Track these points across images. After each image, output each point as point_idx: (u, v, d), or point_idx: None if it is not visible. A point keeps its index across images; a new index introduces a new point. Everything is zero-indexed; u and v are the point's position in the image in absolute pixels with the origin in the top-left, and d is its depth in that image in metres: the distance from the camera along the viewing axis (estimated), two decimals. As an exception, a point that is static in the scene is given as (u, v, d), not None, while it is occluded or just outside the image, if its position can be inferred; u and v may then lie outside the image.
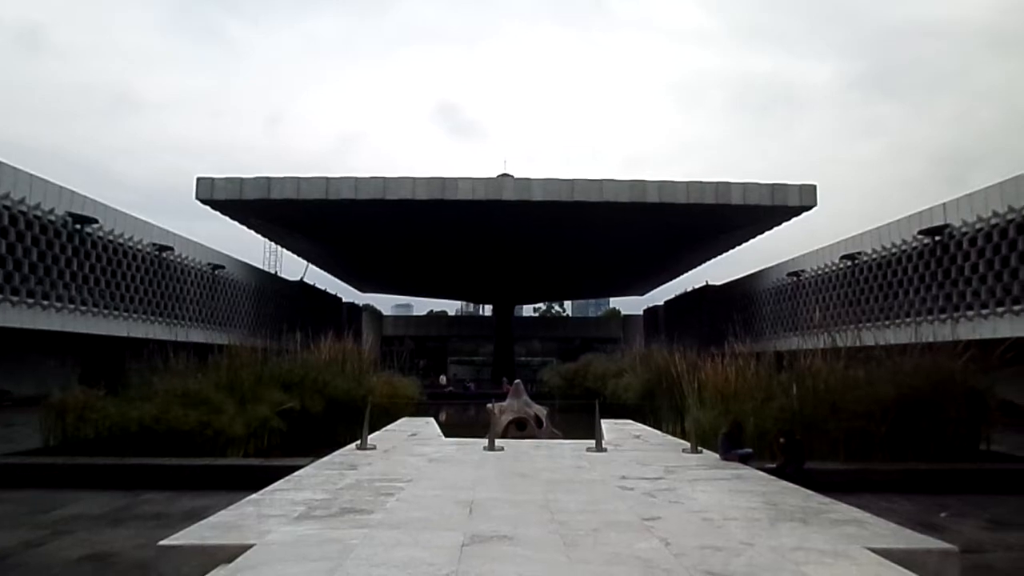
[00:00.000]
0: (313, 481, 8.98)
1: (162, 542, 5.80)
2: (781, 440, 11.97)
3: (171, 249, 39.62)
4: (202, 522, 6.48)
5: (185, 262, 41.79)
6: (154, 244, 38.18)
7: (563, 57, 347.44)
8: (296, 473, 9.66)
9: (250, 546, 5.62)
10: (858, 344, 16.64)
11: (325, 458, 11.43)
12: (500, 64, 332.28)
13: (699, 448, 12.80)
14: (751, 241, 48.67)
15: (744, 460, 11.52)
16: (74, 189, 31.94)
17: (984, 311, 30.00)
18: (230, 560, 5.34)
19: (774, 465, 11.45)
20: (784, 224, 43.91)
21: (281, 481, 8.92)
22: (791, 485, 9.22)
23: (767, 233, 46.11)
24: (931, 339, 16.01)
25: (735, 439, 12.04)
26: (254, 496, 7.84)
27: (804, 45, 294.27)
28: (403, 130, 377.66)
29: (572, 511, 7.26)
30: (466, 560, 5.24)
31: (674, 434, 17.16)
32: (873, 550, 5.70)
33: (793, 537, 6.19)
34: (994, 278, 29.53)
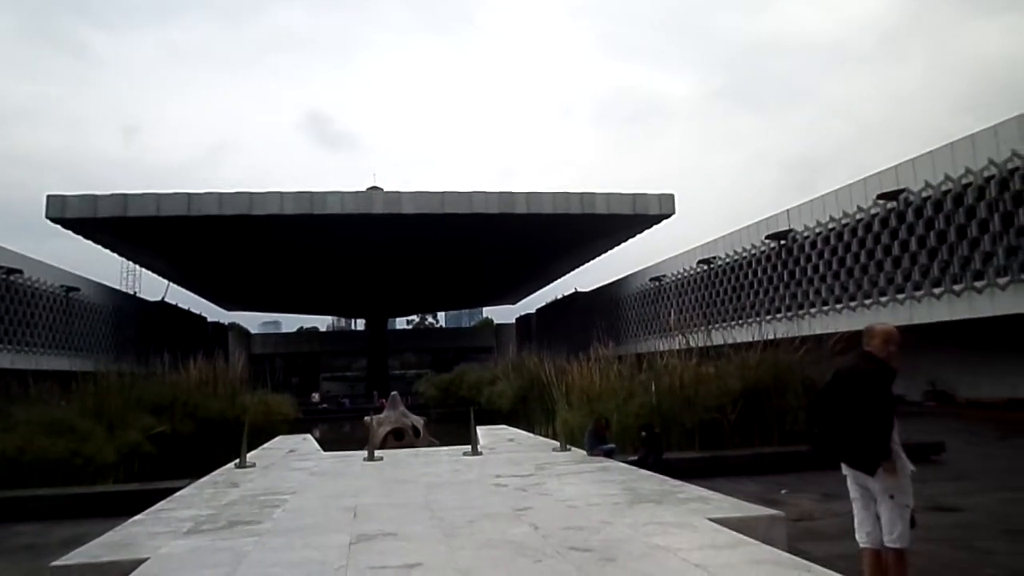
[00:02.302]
0: (196, 499, 9.13)
1: (54, 563, 5.93)
2: (643, 434, 12.97)
3: (20, 272, 37.43)
4: (91, 543, 6.61)
5: (36, 285, 39.54)
6: (0, 267, 35.98)
7: (435, 69, 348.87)
8: (177, 493, 9.74)
9: (144, 560, 5.85)
10: (709, 343, 18.10)
11: (204, 478, 11.47)
12: (371, 74, 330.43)
13: (568, 446, 13.63)
14: (619, 247, 50.45)
15: (609, 455, 12.39)
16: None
17: (825, 307, 32.72)
18: (125, 575, 5.58)
19: (636, 457, 12.42)
20: (650, 230, 45.70)
21: (164, 501, 9.01)
22: (648, 473, 10.14)
23: (633, 240, 47.96)
24: (773, 336, 17.57)
25: (600, 436, 12.91)
26: (139, 517, 7.95)
27: (668, 59, 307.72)
28: (272, 141, 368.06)
29: (450, 508, 7.83)
30: (355, 555, 5.72)
31: (547, 436, 17.99)
32: (713, 519, 6.57)
33: (646, 515, 7.01)
34: (832, 277, 32.30)
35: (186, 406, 19.41)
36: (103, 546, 6.51)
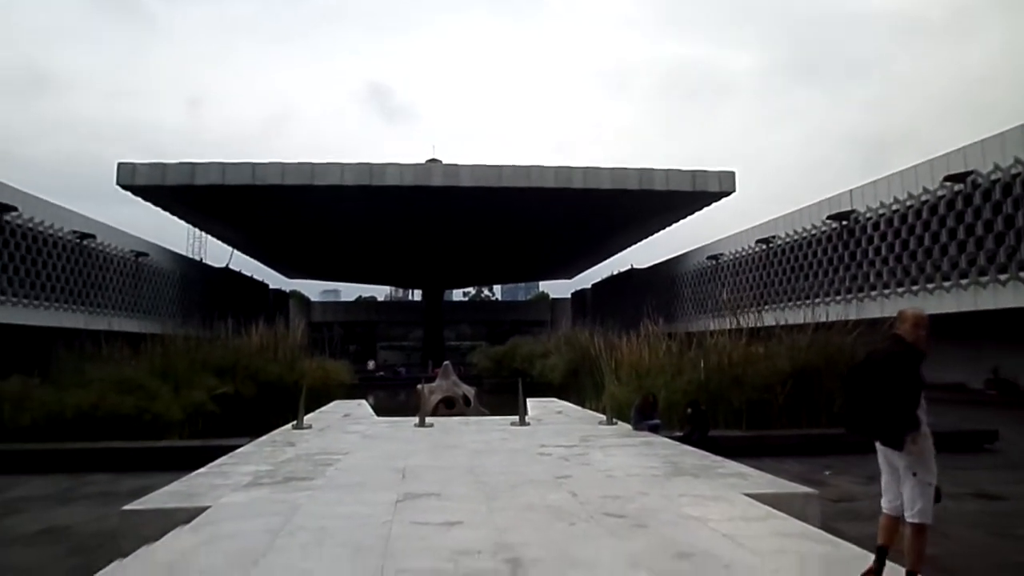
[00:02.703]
0: (255, 456, 9.64)
1: (125, 507, 6.43)
2: (688, 411, 13.12)
3: (93, 237, 38.88)
4: (159, 491, 7.10)
5: (108, 250, 41.03)
6: (75, 232, 37.43)
7: (494, 42, 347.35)
8: (238, 450, 10.29)
9: (206, 508, 6.31)
10: (760, 324, 18.04)
11: (263, 437, 12.04)
12: (431, 47, 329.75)
13: (614, 420, 13.85)
14: (678, 224, 49.98)
15: (654, 430, 12.57)
16: (-9, 176, 31.20)
17: (886, 291, 32.08)
18: (188, 521, 6.01)
19: (681, 433, 12.58)
20: (710, 207, 45.20)
21: (225, 457, 9.54)
22: (691, 448, 10.30)
23: (692, 216, 47.49)
24: (825, 318, 17.44)
25: (646, 411, 13.08)
26: (202, 470, 8.47)
27: (730, 32, 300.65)
28: (333, 113, 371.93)
29: (494, 473, 8.15)
30: (400, 512, 6.07)
31: (596, 410, 18.16)
32: (748, 494, 6.74)
33: (682, 487, 7.21)
34: (894, 260, 31.60)
35: (248, 369, 20.13)
36: (169, 494, 7.00)
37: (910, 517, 4.40)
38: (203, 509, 6.28)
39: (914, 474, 4.42)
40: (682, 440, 11.83)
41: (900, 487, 4.53)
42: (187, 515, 6.14)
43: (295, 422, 13.60)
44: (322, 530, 5.49)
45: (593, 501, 6.47)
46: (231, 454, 9.88)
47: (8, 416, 14.45)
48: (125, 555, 5.39)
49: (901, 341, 4.67)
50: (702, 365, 15.47)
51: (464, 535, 5.34)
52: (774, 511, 6.09)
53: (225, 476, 8.06)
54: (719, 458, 9.24)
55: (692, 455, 9.60)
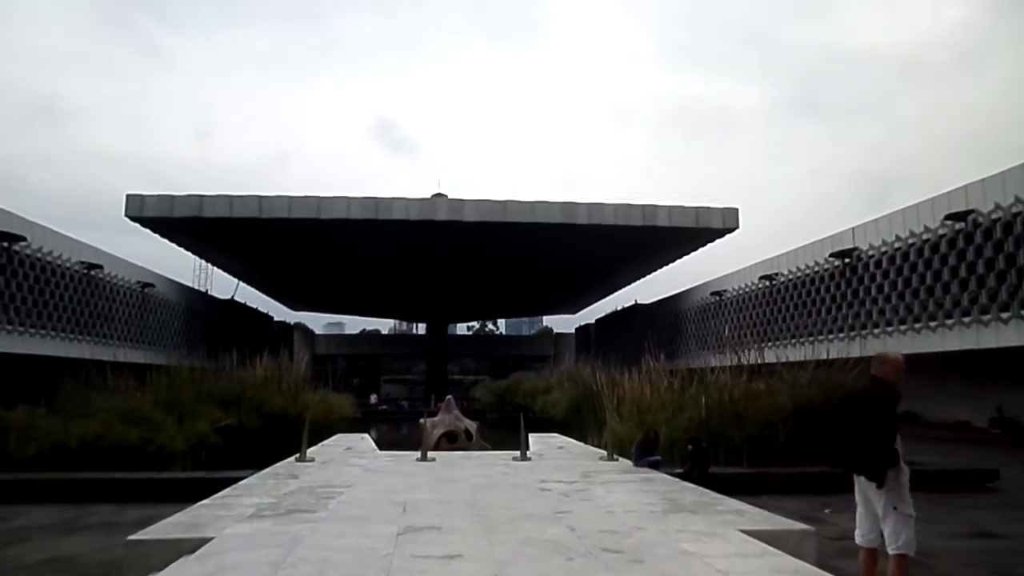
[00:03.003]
0: (259, 489, 9.72)
1: (130, 537, 6.52)
2: (689, 447, 13.19)
3: (100, 267, 39.33)
4: (162, 522, 7.20)
5: (114, 280, 41.46)
6: (82, 262, 37.87)
7: (498, 77, 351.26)
8: (241, 482, 10.37)
9: (210, 539, 6.40)
10: (761, 361, 18.15)
11: (266, 470, 12.11)
12: (435, 82, 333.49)
13: (615, 456, 13.90)
14: (680, 261, 50.20)
15: (654, 466, 12.62)
16: (0, 207, 31.65)
17: (889, 328, 32.16)
18: (193, 551, 6.12)
19: (682, 470, 12.63)
20: (712, 244, 45.41)
21: (228, 489, 9.62)
22: (691, 485, 10.37)
23: (694, 253, 47.73)
24: (826, 356, 17.54)
25: (647, 448, 13.15)
26: (205, 501, 8.56)
27: (733, 68, 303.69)
28: (339, 145, 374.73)
29: (494, 507, 8.23)
30: (401, 544, 6.16)
31: (598, 446, 18.19)
32: (744, 531, 6.82)
33: (679, 523, 7.29)
34: (897, 298, 31.73)
35: (252, 401, 20.29)
36: (173, 525, 7.10)
37: (895, 549, 4.58)
38: (207, 540, 6.37)
39: (894, 508, 4.59)
40: (682, 477, 11.87)
41: (880, 523, 4.70)
42: (191, 545, 6.24)
43: (298, 455, 13.68)
44: (324, 562, 5.58)
45: (591, 536, 6.56)
46: (234, 486, 9.96)
47: (13, 446, 14.59)
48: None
49: (881, 383, 4.88)
50: (703, 402, 15.56)
51: (464, 568, 5.44)
52: (769, 548, 6.17)
53: (228, 508, 8.15)
54: (718, 495, 9.31)
55: (691, 492, 9.67)
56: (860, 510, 5.06)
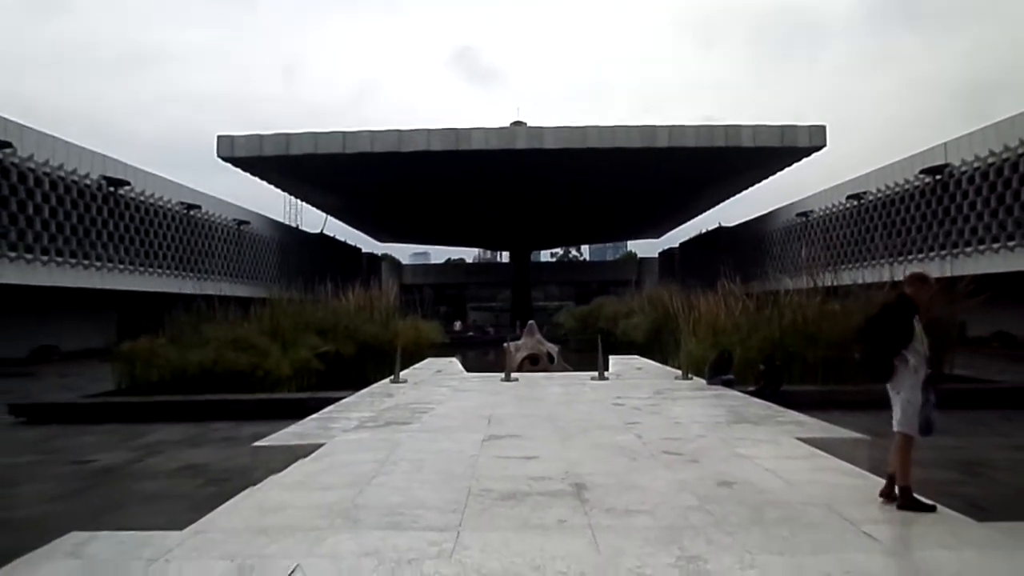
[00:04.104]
0: (359, 405, 10.80)
1: (255, 444, 7.59)
2: (762, 366, 13.65)
3: (199, 207, 41.45)
4: (280, 432, 8.27)
5: (212, 219, 43.64)
6: (182, 203, 40.00)
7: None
8: (343, 400, 11.49)
9: (321, 445, 7.41)
10: (835, 283, 18.24)
11: (364, 390, 13.24)
12: (517, 7, 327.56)
13: (690, 375, 14.53)
14: (769, 181, 49.21)
15: (727, 384, 13.19)
16: (106, 154, 33.64)
17: (981, 247, 31.23)
18: (307, 455, 7.11)
19: (754, 388, 13.14)
20: (802, 162, 44.43)
21: (332, 406, 10.73)
22: (758, 401, 10.92)
23: (782, 173, 46.73)
24: (902, 277, 17.46)
25: (721, 367, 13.71)
26: (313, 416, 9.65)
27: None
28: (420, 76, 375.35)
29: (570, 420, 9.04)
30: (486, 448, 7.03)
31: (677, 367, 18.84)
32: (800, 438, 7.41)
33: (740, 432, 7.93)
34: (990, 215, 30.70)
35: (347, 329, 21.50)
36: (290, 435, 8.16)
37: (895, 427, 5.17)
38: (319, 446, 7.37)
39: (898, 392, 5.16)
40: (754, 394, 12.35)
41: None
42: (306, 451, 7.23)
43: (392, 376, 14.78)
44: (420, 461, 6.48)
45: (655, 442, 7.27)
46: (337, 404, 11.06)
47: (139, 373, 16.22)
48: (255, 484, 6.49)
49: (901, 296, 5.38)
50: (777, 323, 15.90)
51: (539, 466, 6.23)
52: (818, 451, 6.75)
53: (334, 421, 9.19)
54: (782, 408, 9.85)
55: (757, 406, 10.24)
56: (892, 403, 5.52)
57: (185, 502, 7.20)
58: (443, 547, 4.10)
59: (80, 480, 8.69)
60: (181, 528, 4.67)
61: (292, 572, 3.73)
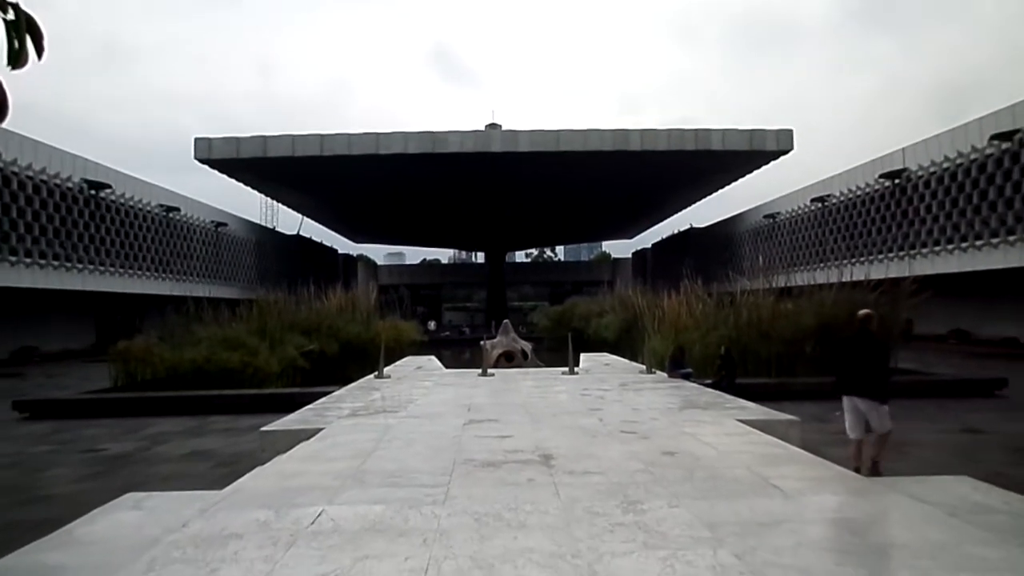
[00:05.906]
0: (349, 398, 11.80)
1: (263, 428, 8.59)
2: (719, 360, 14.79)
3: (178, 209, 41.98)
4: (283, 418, 9.27)
5: (191, 221, 44.17)
6: (162, 205, 40.52)
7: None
8: (333, 393, 12.49)
9: (321, 429, 8.41)
10: (787, 284, 19.54)
11: (351, 384, 14.24)
12: (492, 7, 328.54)
13: (653, 370, 15.67)
14: (741, 184, 50.43)
15: (686, 377, 14.32)
16: (87, 157, 34.19)
17: (936, 248, 32.76)
18: (309, 438, 8.11)
19: (712, 380, 14.28)
20: (781, 165, 45.41)
21: (324, 399, 11.72)
22: (711, 390, 12.07)
23: (754, 176, 47.91)
24: (850, 279, 18.82)
25: (678, 361, 14.85)
26: (308, 407, 10.64)
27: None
28: (396, 77, 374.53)
29: (540, 407, 10.13)
30: (466, 430, 8.09)
31: (643, 363, 19.99)
32: (740, 420, 8.54)
33: (689, 416, 9.05)
34: (944, 218, 32.24)
35: (330, 329, 22.42)
36: (291, 421, 9.17)
37: (882, 429, 6.60)
38: (319, 430, 8.38)
39: (883, 404, 6.80)
40: (712, 386, 13.46)
41: (867, 419, 6.87)
42: (308, 434, 8.23)
43: (376, 372, 15.78)
44: (411, 439, 7.54)
45: (614, 424, 8.38)
46: (328, 396, 12.05)
47: (135, 370, 17.09)
48: (267, 462, 7.47)
49: (870, 332, 6.93)
50: (732, 321, 17.10)
51: (513, 443, 7.31)
52: (752, 430, 7.88)
53: (329, 411, 10.19)
54: (731, 397, 11.00)
55: (709, 395, 11.39)
56: (849, 417, 7.05)
57: (202, 480, 8.17)
58: (436, 497, 5.16)
59: (99, 464, 9.61)
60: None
61: (319, 515, 4.76)
